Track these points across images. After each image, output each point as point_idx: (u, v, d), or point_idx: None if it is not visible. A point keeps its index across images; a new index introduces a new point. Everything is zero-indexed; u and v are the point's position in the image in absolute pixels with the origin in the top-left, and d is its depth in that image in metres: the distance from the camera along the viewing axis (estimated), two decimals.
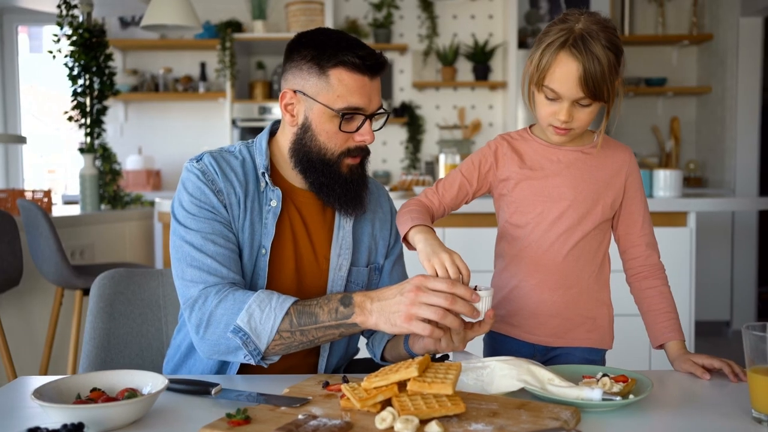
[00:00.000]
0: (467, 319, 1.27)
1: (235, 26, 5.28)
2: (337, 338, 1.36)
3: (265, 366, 1.37)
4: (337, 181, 1.45)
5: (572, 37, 1.36)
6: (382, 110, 1.47)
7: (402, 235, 1.44)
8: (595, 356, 1.55)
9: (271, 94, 5.55)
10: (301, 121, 1.45)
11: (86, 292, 2.99)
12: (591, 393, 1.16)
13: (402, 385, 1.14)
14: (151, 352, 1.83)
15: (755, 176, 5.18)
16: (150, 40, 5.41)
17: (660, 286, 1.54)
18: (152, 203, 4.04)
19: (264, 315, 1.32)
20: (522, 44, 5.29)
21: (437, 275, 1.28)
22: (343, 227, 1.52)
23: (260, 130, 5.40)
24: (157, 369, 1.81)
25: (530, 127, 1.58)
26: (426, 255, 1.32)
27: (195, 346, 1.42)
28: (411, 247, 1.42)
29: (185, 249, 1.40)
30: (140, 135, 5.71)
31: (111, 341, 1.77)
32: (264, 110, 5.38)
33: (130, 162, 5.40)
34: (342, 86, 1.40)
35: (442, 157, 3.69)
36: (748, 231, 5.17)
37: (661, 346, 1.50)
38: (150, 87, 5.53)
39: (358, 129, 1.43)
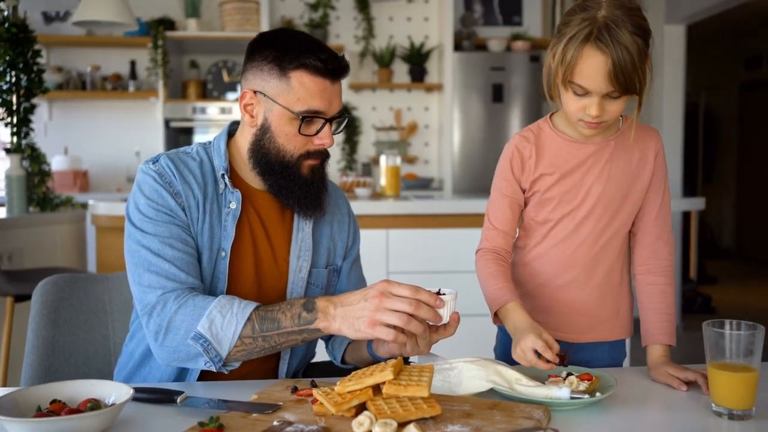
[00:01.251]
0: (432, 323, 1.27)
1: (168, 24, 5.15)
2: (299, 344, 1.34)
3: (226, 372, 1.34)
4: (296, 183, 1.43)
5: (596, 28, 1.28)
6: (342, 114, 1.46)
7: (492, 313, 1.44)
8: (619, 348, 1.54)
9: (205, 93, 5.45)
10: (261, 122, 1.43)
11: (18, 298, 2.85)
12: (559, 392, 1.19)
13: (376, 388, 1.13)
14: (97, 360, 1.77)
15: (679, 178, 5.39)
16: (76, 36, 5.22)
17: (663, 284, 1.49)
18: (84, 205, 3.89)
19: (225, 321, 1.29)
20: (458, 47, 5.36)
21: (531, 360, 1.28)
22: (303, 229, 1.51)
23: (193, 130, 5.43)
24: (105, 377, 1.75)
25: (550, 116, 1.51)
26: (513, 344, 1.33)
27: (153, 353, 1.37)
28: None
29: (142, 253, 1.36)
30: (66, 134, 5.50)
31: (55, 349, 1.70)
32: (198, 110, 5.27)
33: (55, 162, 5.20)
34: (303, 89, 1.38)
35: (383, 159, 3.70)
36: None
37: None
38: (76, 85, 5.34)
39: (317, 132, 1.42)
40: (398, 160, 3.65)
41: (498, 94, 5.31)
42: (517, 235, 1.57)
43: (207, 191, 1.43)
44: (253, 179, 1.48)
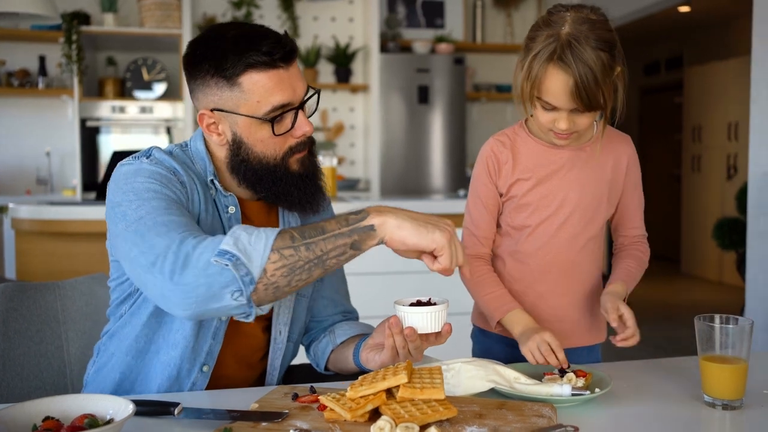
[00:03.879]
0: (424, 331, 1.25)
1: (83, 18, 4.92)
2: (349, 254, 1.15)
3: (263, 312, 1.15)
4: (291, 184, 1.34)
5: (560, 46, 1.29)
6: (310, 93, 1.36)
7: (493, 324, 1.45)
8: (596, 352, 1.57)
9: (124, 92, 5.24)
10: (230, 137, 1.32)
11: None
12: (560, 389, 1.21)
13: (387, 392, 1.11)
14: (51, 373, 1.67)
15: None
16: None
17: (638, 252, 1.54)
18: (4, 208, 3.66)
19: (253, 237, 1.11)
20: (383, 48, 5.38)
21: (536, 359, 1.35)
22: None
23: (112, 130, 5.20)
24: (60, 390, 1.65)
25: (525, 121, 1.51)
26: (521, 344, 1.38)
27: (165, 302, 1.15)
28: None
29: (144, 221, 1.18)
30: None
31: (6, 363, 1.60)
32: (117, 109, 5.06)
33: None
34: (258, 90, 1.27)
35: (320, 160, 3.65)
36: None
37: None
38: None
39: (293, 126, 1.32)
40: (335, 161, 3.62)
41: (423, 95, 5.37)
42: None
43: (206, 192, 1.35)
44: (235, 187, 1.39)
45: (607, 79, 1.32)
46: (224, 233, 1.19)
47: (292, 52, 1.30)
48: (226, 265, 1.08)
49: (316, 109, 1.39)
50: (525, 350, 1.33)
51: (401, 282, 3.08)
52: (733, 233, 4.71)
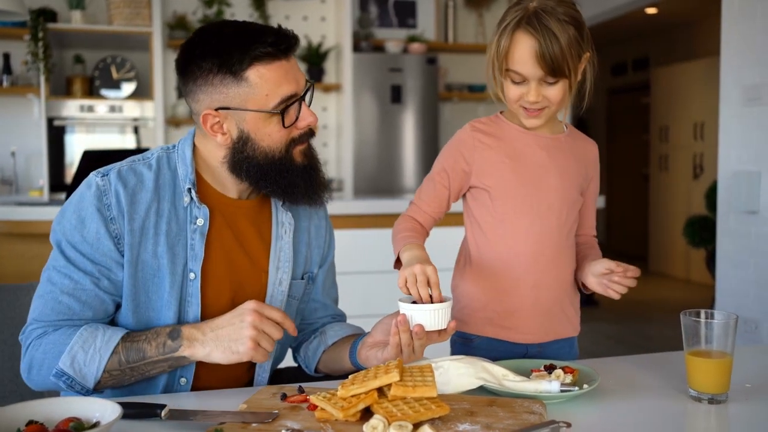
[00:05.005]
0: (431, 329, 1.25)
1: (49, 15, 4.82)
2: (167, 370, 1.29)
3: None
4: (297, 176, 1.33)
5: (527, 15, 1.34)
6: (308, 83, 1.35)
7: (395, 258, 1.39)
8: (573, 344, 1.57)
9: (92, 90, 5.15)
10: (236, 135, 1.31)
11: None
12: (549, 385, 1.21)
13: (378, 390, 1.10)
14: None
15: None
16: None
17: (597, 248, 1.57)
18: None
19: (88, 357, 1.24)
20: (356, 48, 5.36)
21: (407, 287, 1.27)
22: (282, 237, 1.42)
23: (79, 129, 5.09)
24: (37, 394, 1.61)
25: (501, 113, 1.52)
26: (402, 268, 1.30)
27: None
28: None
29: (46, 287, 1.29)
30: None
31: None
32: (85, 108, 4.97)
33: None
34: (266, 83, 1.27)
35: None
36: None
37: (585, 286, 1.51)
38: None
39: (298, 117, 1.32)
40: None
41: (396, 95, 5.37)
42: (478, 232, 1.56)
43: (162, 209, 1.31)
44: (225, 186, 1.38)
45: (572, 51, 1.35)
46: (187, 247, 1.31)
47: (294, 45, 1.31)
48: (63, 386, 1.25)
49: (312, 100, 1.39)
50: (401, 277, 1.28)
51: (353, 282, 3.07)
52: (703, 231, 4.79)
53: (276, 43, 1.27)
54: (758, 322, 3.29)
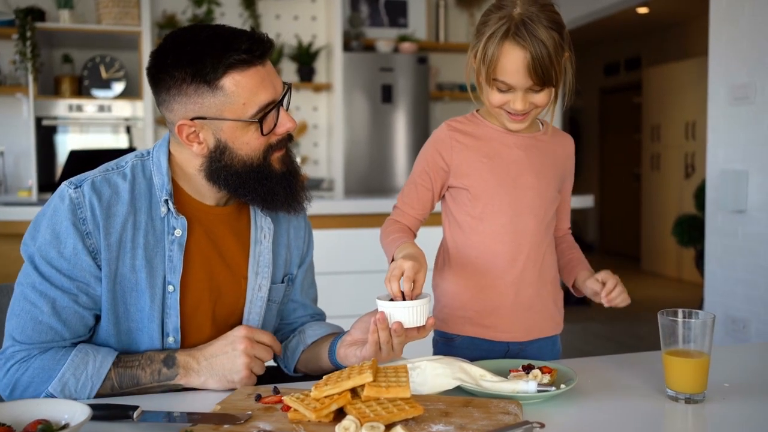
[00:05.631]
0: (410, 326, 1.24)
1: (37, 14, 4.79)
2: (159, 391, 1.29)
3: None
4: (276, 183, 1.31)
5: (514, 25, 1.32)
6: (286, 87, 1.31)
7: (390, 261, 1.38)
8: (556, 342, 1.56)
9: (81, 90, 5.12)
10: (213, 144, 1.28)
11: None
12: (526, 386, 1.20)
13: (352, 391, 1.09)
14: None
15: None
16: None
17: (575, 243, 1.61)
18: None
19: (80, 384, 1.23)
20: (346, 47, 5.35)
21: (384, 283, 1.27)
22: (261, 242, 1.40)
23: (69, 129, 5.07)
24: None
25: (477, 111, 1.52)
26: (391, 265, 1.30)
27: None
28: None
29: (20, 304, 1.26)
30: None
31: None
32: (74, 108, 4.95)
33: None
34: (243, 90, 1.23)
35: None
36: None
37: (574, 285, 1.54)
38: None
39: (276, 123, 1.29)
40: (298, 161, 3.58)
41: (387, 94, 5.36)
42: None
43: (138, 221, 1.29)
44: (201, 194, 1.35)
45: (558, 58, 1.35)
46: (165, 259, 1.30)
47: (269, 49, 1.28)
48: None
49: (288, 104, 1.35)
50: (387, 275, 1.27)
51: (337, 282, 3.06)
52: (692, 230, 4.79)
53: (250, 50, 1.23)
54: (746, 321, 3.29)
